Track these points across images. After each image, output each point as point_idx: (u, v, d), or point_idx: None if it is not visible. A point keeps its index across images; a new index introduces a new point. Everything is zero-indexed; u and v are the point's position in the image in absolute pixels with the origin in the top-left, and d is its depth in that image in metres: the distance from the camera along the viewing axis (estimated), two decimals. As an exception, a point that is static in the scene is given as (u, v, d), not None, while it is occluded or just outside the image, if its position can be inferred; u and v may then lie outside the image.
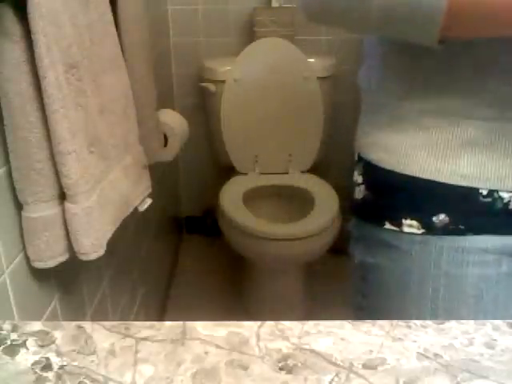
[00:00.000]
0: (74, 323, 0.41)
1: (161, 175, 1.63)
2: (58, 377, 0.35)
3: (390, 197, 0.63)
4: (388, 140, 0.62)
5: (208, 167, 2.14)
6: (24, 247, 0.68)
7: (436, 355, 0.37)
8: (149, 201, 0.93)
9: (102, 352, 0.37)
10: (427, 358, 0.36)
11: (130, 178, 0.85)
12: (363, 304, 0.71)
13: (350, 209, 0.71)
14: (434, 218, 0.59)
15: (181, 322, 0.40)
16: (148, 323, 0.40)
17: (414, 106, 0.59)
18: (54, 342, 0.39)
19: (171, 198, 1.99)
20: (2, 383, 0.35)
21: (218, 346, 0.38)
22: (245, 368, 0.36)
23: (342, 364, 0.36)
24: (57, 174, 0.66)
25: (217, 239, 1.92)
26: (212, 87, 1.78)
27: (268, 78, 1.73)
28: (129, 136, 0.87)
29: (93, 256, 0.71)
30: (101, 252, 0.72)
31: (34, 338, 0.39)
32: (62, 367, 0.36)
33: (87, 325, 0.40)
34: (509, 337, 0.38)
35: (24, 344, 0.38)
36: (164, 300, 1.77)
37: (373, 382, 0.34)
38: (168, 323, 0.40)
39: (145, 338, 0.39)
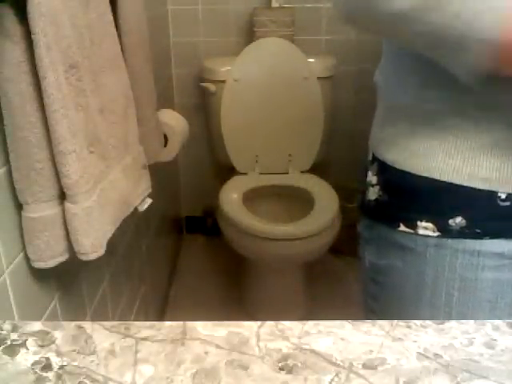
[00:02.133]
0: (73, 323, 0.40)
1: (161, 175, 1.63)
2: (58, 377, 0.35)
3: (406, 198, 0.61)
4: (405, 141, 0.60)
5: (208, 167, 2.14)
6: (24, 247, 0.68)
7: (436, 355, 0.37)
8: (149, 201, 0.93)
9: (102, 352, 0.37)
10: (427, 358, 0.36)
11: (129, 178, 0.85)
12: (374, 307, 0.70)
13: (361, 209, 0.70)
14: (451, 221, 0.58)
15: (181, 322, 0.40)
16: (148, 323, 0.40)
17: (433, 107, 0.57)
18: (53, 342, 0.39)
19: (171, 198, 1.99)
20: (2, 383, 0.35)
21: (217, 346, 0.38)
22: (245, 368, 0.36)
23: (341, 364, 0.36)
24: (57, 174, 0.66)
25: (217, 239, 1.92)
26: (212, 87, 1.78)
27: (268, 78, 1.73)
28: (129, 136, 0.87)
29: (93, 256, 0.71)
30: (101, 252, 0.72)
31: (34, 338, 0.39)
32: (62, 367, 0.36)
33: (87, 325, 0.40)
34: (509, 337, 0.38)
35: (24, 344, 0.38)
36: (164, 300, 1.77)
37: (373, 382, 0.34)
38: (168, 323, 0.40)
39: (145, 338, 0.39)
